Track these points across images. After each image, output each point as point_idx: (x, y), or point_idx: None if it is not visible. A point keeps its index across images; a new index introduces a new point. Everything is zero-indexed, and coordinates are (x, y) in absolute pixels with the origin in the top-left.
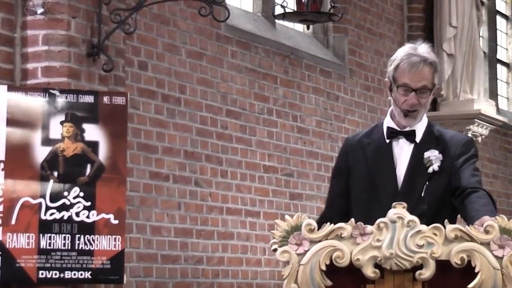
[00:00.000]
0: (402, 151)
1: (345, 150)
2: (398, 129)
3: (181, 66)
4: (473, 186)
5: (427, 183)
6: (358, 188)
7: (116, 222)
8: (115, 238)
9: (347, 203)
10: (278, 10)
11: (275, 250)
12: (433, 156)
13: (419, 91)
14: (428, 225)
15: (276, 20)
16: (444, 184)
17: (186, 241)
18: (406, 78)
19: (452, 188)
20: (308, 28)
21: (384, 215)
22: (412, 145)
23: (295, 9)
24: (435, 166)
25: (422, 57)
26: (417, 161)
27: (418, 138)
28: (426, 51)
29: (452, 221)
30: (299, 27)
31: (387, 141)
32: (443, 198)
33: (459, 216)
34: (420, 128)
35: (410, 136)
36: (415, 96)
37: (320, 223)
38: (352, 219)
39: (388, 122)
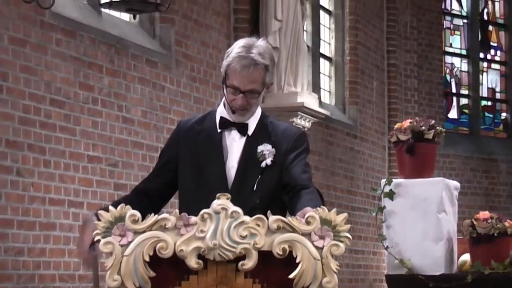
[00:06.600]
0: (234, 143)
1: (176, 135)
2: (231, 120)
3: (3, 53)
4: (303, 183)
5: (259, 177)
6: (186, 177)
7: None
8: None
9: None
10: None
11: (98, 241)
12: (266, 151)
13: (248, 93)
14: None
15: (102, 9)
16: (275, 178)
17: (7, 232)
18: (236, 80)
19: (283, 183)
20: (134, 17)
21: None
22: (244, 138)
23: None
24: (268, 161)
25: (253, 60)
26: (249, 154)
27: (250, 131)
28: (260, 51)
29: (283, 215)
30: (126, 16)
31: (219, 130)
32: (275, 192)
33: None
34: (252, 121)
35: (242, 128)
36: (243, 97)
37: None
38: (177, 210)
39: (221, 112)
